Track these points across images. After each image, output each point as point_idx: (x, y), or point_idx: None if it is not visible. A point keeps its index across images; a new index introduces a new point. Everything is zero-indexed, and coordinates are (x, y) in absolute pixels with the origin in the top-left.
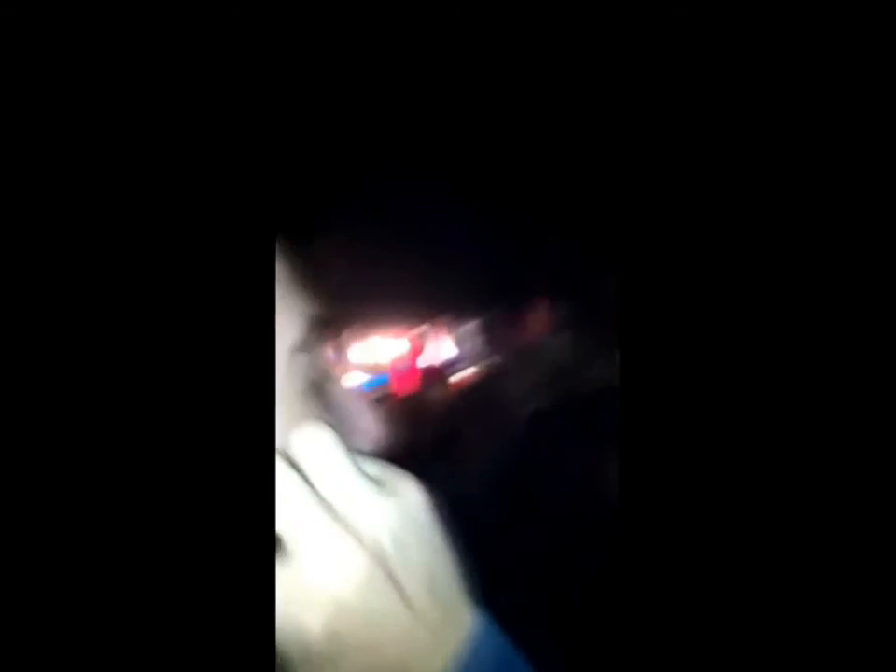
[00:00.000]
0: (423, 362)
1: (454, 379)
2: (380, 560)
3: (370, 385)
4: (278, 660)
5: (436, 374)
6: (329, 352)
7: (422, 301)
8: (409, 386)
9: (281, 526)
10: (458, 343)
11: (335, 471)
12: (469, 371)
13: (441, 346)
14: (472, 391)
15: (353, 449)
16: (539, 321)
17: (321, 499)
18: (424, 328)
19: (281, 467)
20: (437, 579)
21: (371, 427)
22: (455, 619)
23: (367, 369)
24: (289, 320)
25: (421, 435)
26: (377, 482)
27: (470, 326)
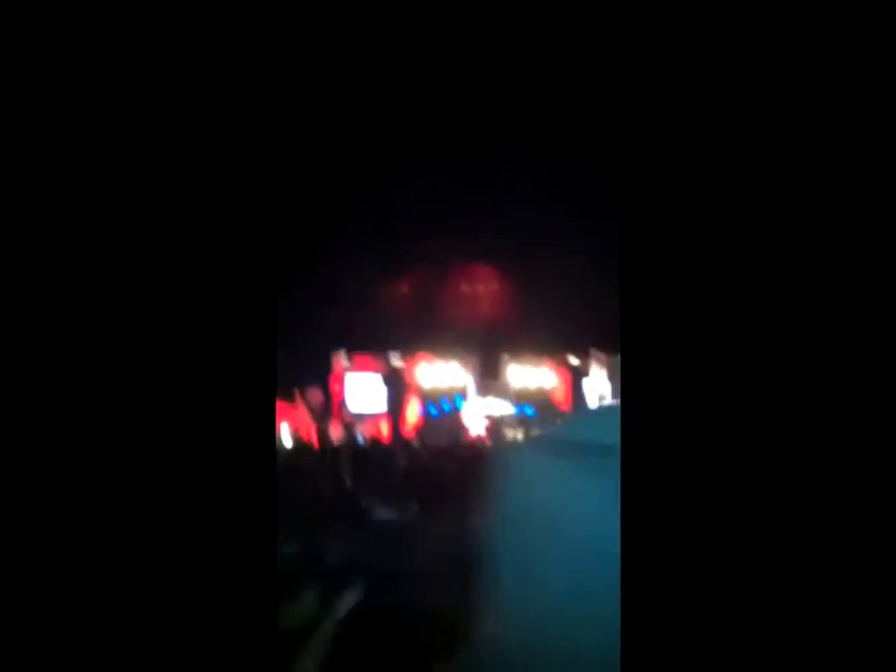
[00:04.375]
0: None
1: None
2: None
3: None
4: None
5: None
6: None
7: (568, 331)
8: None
9: None
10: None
11: None
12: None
13: (596, 380)
14: None
15: None
16: None
17: None
18: (575, 359)
19: None
20: None
21: None
22: None
23: (514, 395)
24: None
25: None
26: None
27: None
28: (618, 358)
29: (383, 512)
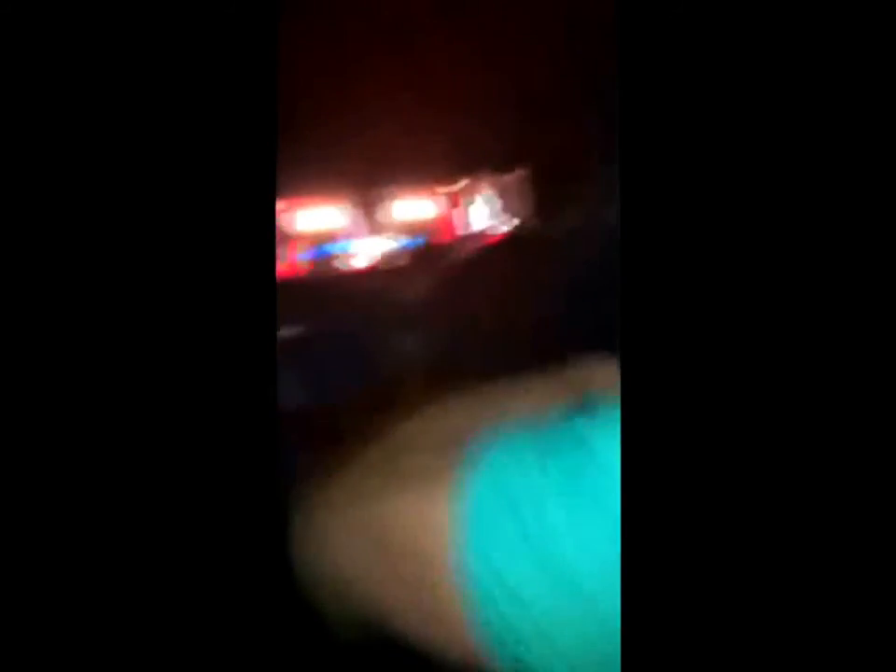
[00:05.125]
0: (460, 222)
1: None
2: None
3: (407, 245)
4: None
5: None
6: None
7: (456, 154)
8: (445, 248)
9: None
10: (500, 200)
11: None
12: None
13: (480, 204)
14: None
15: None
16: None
17: None
18: (461, 184)
19: None
20: None
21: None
22: None
23: (400, 229)
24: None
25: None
26: None
27: (512, 179)
28: (506, 176)
29: None
